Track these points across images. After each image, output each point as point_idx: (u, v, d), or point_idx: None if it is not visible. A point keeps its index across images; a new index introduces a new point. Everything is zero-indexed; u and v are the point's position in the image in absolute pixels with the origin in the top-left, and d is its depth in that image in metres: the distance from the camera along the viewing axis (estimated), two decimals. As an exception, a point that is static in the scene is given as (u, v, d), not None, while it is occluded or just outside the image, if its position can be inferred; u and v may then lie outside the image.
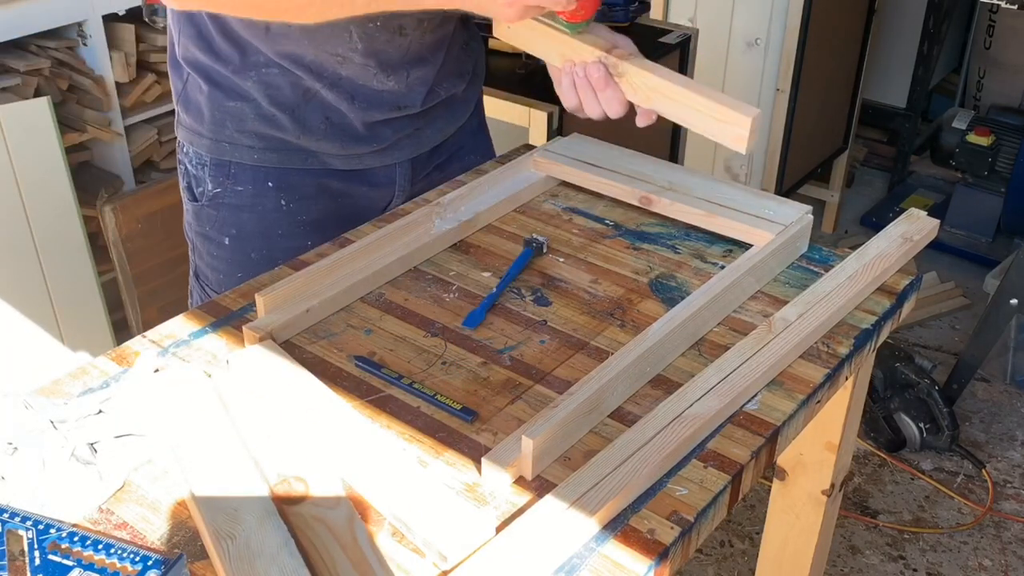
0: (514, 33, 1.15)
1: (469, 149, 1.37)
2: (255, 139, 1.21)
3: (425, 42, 1.21)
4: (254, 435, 0.85)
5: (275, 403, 0.88)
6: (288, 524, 0.76)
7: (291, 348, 0.98)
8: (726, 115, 1.03)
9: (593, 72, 1.08)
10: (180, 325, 1.02)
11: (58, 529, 0.70)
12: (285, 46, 1.15)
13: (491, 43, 2.08)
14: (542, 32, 1.11)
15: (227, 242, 1.26)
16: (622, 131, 2.06)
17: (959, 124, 3.03)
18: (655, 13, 2.68)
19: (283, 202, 1.24)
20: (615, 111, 1.11)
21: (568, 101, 1.13)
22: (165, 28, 2.21)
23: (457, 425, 0.88)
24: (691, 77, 2.26)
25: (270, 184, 1.23)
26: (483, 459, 0.82)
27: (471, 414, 0.88)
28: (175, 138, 1.29)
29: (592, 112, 1.12)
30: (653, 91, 1.08)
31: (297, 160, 1.22)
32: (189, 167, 1.26)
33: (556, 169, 1.25)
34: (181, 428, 0.85)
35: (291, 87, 1.18)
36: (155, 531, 0.78)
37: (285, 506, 0.78)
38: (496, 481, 0.82)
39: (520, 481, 0.82)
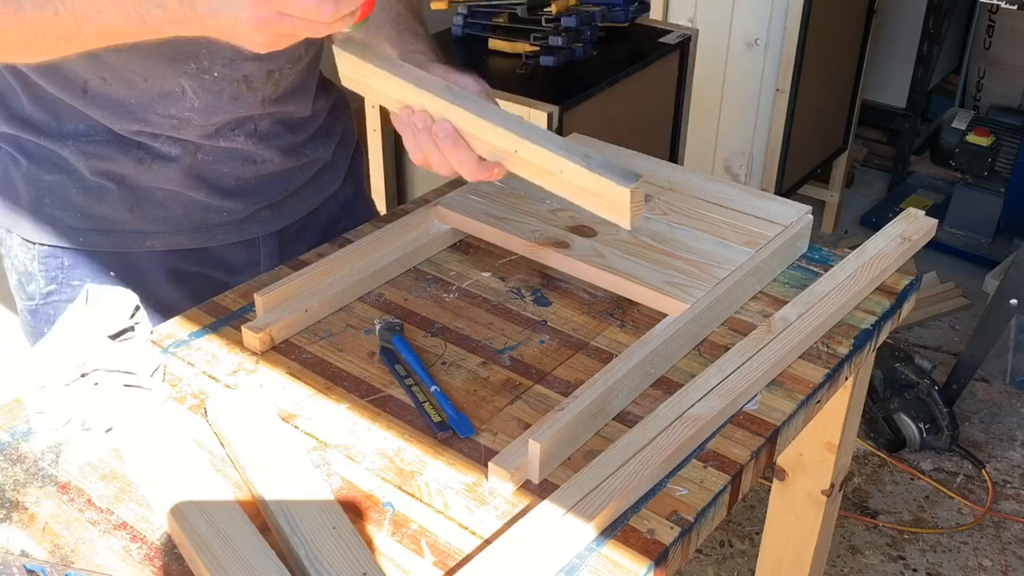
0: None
1: (347, 222, 1.20)
2: (80, 219, 1.06)
3: (280, 96, 1.09)
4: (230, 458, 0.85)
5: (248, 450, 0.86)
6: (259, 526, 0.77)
7: (290, 348, 0.98)
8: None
9: (417, 121, 0.92)
10: (180, 325, 1.02)
11: None
12: (108, 109, 1.01)
13: (491, 43, 2.09)
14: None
15: None
16: (622, 131, 2.07)
17: (959, 124, 3.03)
18: (655, 13, 2.68)
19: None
20: (467, 173, 0.93)
21: (412, 154, 0.95)
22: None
23: (458, 425, 0.88)
24: (691, 77, 2.27)
25: (112, 274, 1.09)
26: (490, 463, 0.82)
27: (446, 429, 0.87)
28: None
29: (441, 170, 0.94)
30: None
31: (132, 243, 1.08)
32: (14, 262, 1.11)
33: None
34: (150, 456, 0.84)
35: (120, 155, 1.03)
36: (155, 531, 0.78)
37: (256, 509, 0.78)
38: (501, 483, 0.82)
39: (523, 483, 0.82)
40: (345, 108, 1.25)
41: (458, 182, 1.24)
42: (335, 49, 0.98)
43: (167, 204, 1.08)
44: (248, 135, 1.09)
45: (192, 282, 1.12)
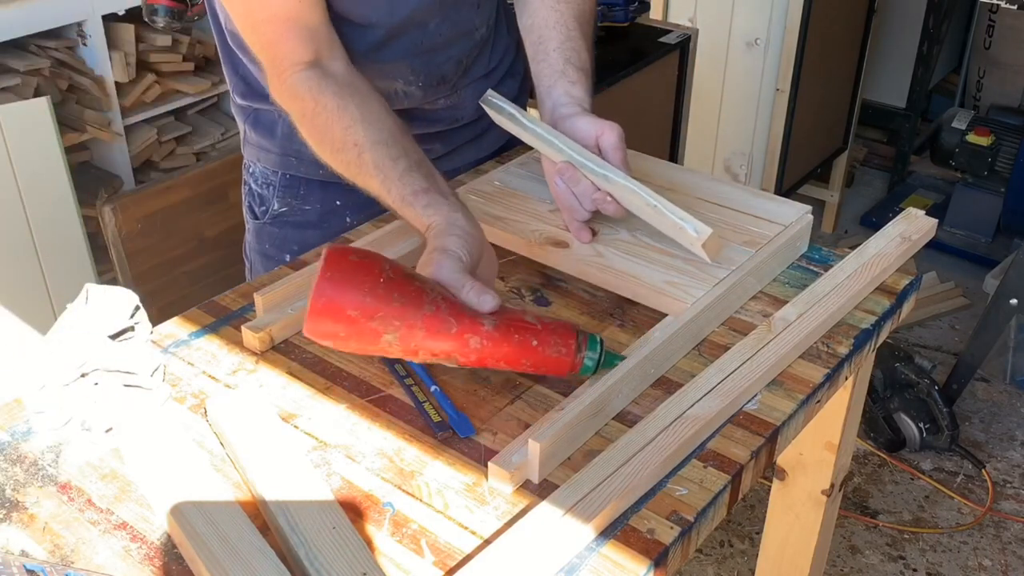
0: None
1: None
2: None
3: (479, 59, 1.24)
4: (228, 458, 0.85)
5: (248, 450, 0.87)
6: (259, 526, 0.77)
7: (290, 348, 0.98)
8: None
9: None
10: (180, 325, 1.02)
11: None
12: None
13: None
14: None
15: (288, 259, 1.24)
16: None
17: (959, 124, 3.03)
18: (655, 13, 2.68)
19: (349, 220, 1.25)
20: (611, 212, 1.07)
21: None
22: (165, 28, 2.21)
23: (458, 425, 0.88)
24: (691, 77, 2.27)
25: (338, 203, 1.25)
26: (489, 463, 0.82)
27: (445, 428, 0.88)
28: (174, 138, 1.29)
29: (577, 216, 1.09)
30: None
31: None
32: (254, 186, 1.28)
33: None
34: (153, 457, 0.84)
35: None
36: (155, 531, 0.78)
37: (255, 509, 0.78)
38: (501, 483, 0.82)
39: (523, 482, 0.82)
40: (519, 45, 1.34)
41: (457, 182, 1.24)
42: (482, 101, 1.17)
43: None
44: (451, 97, 1.24)
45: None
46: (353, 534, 0.75)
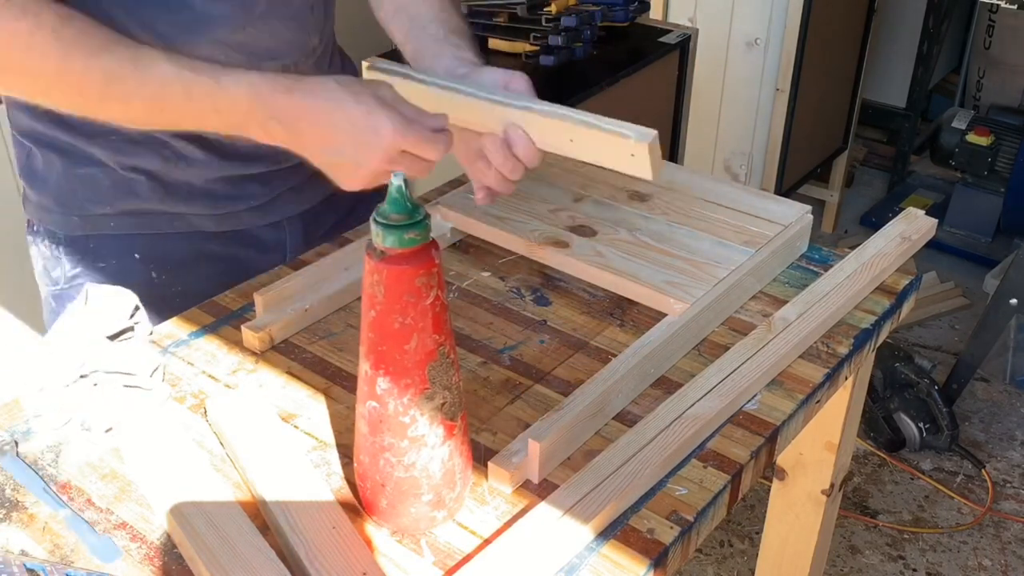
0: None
1: (369, 201, 1.20)
2: (110, 207, 1.08)
3: None
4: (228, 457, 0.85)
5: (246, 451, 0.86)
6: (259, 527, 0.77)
7: (290, 348, 0.98)
8: (620, 143, 0.92)
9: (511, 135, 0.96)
10: (179, 325, 1.02)
11: None
12: None
13: (491, 43, 2.09)
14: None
15: None
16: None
17: (959, 124, 3.03)
18: (655, 13, 2.68)
19: (154, 275, 1.10)
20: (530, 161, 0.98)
21: (483, 181, 1.02)
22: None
23: (457, 425, 0.88)
24: (691, 77, 2.27)
25: (136, 256, 1.10)
26: (489, 463, 0.82)
27: None
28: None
29: (506, 189, 1.01)
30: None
31: (163, 224, 1.09)
32: (42, 249, 1.13)
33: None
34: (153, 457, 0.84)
35: (149, 153, 1.05)
36: (155, 531, 0.78)
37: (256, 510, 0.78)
38: (501, 483, 0.82)
39: (523, 482, 0.82)
40: None
41: (458, 181, 1.24)
42: (365, 69, 1.05)
43: (195, 193, 1.09)
44: None
45: (219, 263, 1.13)
46: (353, 534, 0.75)
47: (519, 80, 0.99)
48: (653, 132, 0.90)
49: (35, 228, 1.14)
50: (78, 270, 1.11)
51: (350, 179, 0.90)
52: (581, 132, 0.93)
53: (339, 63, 1.21)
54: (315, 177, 1.12)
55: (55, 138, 1.06)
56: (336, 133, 0.86)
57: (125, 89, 0.85)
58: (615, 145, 0.92)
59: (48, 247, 1.12)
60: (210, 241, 1.12)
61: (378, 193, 1.20)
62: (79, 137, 1.04)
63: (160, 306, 1.06)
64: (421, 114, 0.88)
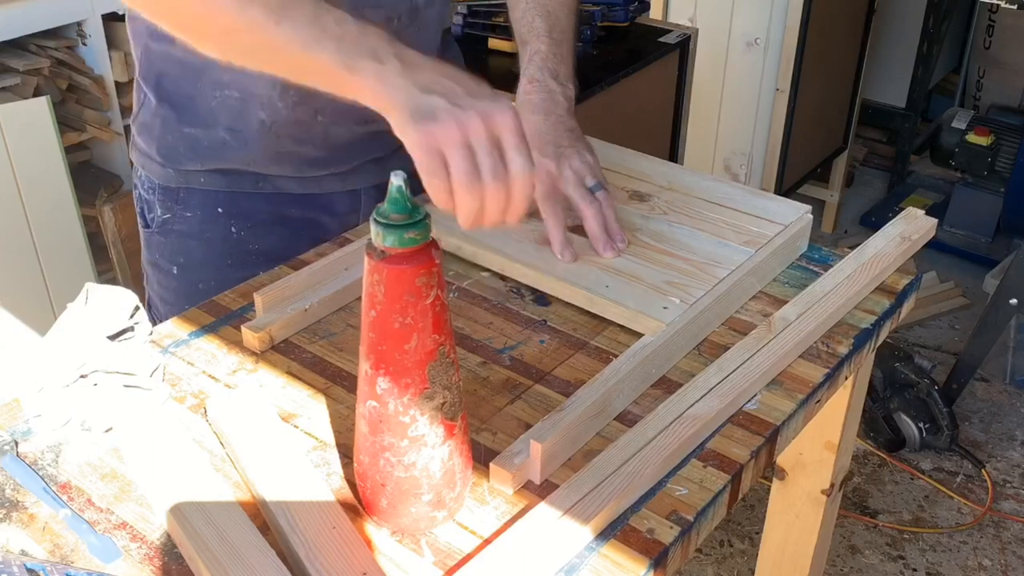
0: None
1: None
2: (205, 164, 1.14)
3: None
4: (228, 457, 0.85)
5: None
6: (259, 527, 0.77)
7: (290, 348, 0.98)
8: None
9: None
10: (179, 325, 1.02)
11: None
12: (237, 71, 1.03)
13: (491, 43, 2.09)
14: None
15: (175, 271, 1.19)
16: (622, 131, 2.07)
17: (959, 124, 3.03)
18: (655, 13, 2.68)
19: (233, 230, 1.17)
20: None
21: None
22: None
23: (457, 425, 0.88)
24: (691, 77, 2.27)
25: (220, 210, 1.16)
26: (491, 464, 0.82)
27: None
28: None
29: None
30: None
31: (247, 184, 1.15)
32: (142, 191, 1.21)
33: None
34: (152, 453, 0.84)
35: (246, 106, 1.10)
36: (155, 531, 0.78)
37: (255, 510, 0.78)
38: (502, 484, 0.82)
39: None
40: (458, 57, 1.28)
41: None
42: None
43: (282, 158, 1.13)
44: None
45: (295, 224, 1.17)
46: (353, 534, 0.75)
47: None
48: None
49: (137, 172, 1.21)
50: (168, 216, 1.18)
51: (431, 134, 0.80)
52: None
53: (441, 37, 1.21)
54: (397, 152, 1.12)
55: (173, 94, 1.12)
56: (457, 81, 0.81)
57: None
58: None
59: (146, 191, 1.20)
60: (290, 204, 1.17)
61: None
62: (192, 95, 1.10)
63: (235, 260, 1.15)
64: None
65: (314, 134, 1.13)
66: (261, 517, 0.78)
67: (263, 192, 1.16)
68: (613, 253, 1.05)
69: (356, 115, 1.07)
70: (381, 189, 1.15)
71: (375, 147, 1.17)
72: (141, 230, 1.23)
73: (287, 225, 1.18)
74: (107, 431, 0.86)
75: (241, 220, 1.17)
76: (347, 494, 0.81)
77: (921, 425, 2.31)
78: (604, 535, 0.77)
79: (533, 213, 1.03)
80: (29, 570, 0.68)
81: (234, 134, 1.12)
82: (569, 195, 1.05)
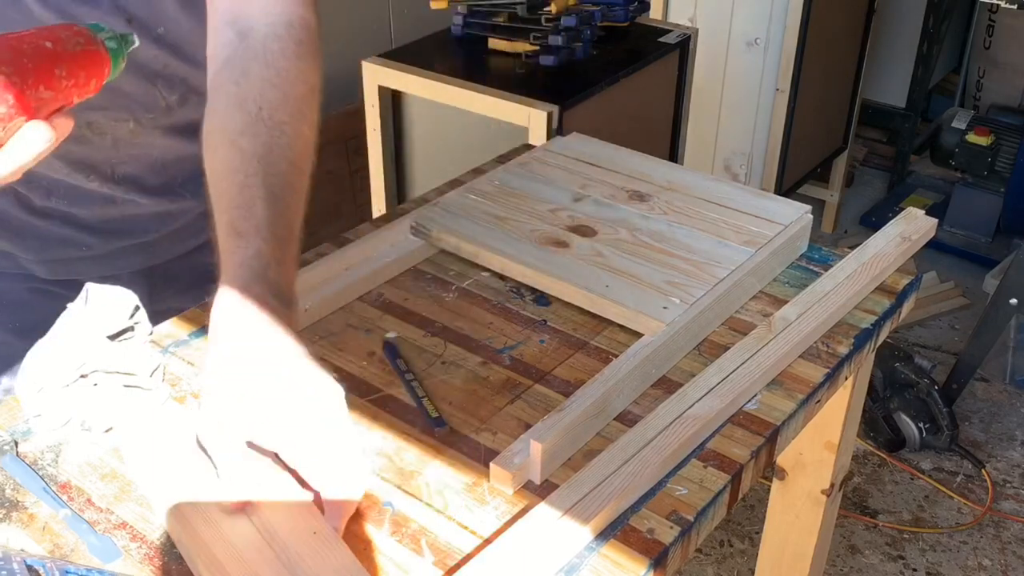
0: None
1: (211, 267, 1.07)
2: None
3: (142, 142, 0.98)
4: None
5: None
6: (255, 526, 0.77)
7: (291, 348, 0.98)
8: None
9: None
10: (180, 325, 1.01)
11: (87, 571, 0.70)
12: None
13: (491, 43, 2.09)
14: None
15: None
16: (622, 131, 2.07)
17: (959, 124, 3.03)
18: (655, 13, 2.68)
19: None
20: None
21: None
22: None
23: (457, 424, 0.88)
24: (691, 77, 2.27)
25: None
26: (491, 464, 0.82)
27: (442, 424, 0.88)
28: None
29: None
30: None
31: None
32: None
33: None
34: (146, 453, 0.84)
35: None
36: (155, 531, 0.78)
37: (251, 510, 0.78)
38: (503, 484, 0.82)
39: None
40: None
41: (458, 181, 1.24)
42: None
43: (23, 232, 1.00)
44: (104, 178, 0.99)
45: (60, 303, 0.92)
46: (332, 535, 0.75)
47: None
48: None
49: None
50: None
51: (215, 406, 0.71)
52: None
53: None
54: (168, 236, 1.04)
55: None
56: (262, 377, 0.71)
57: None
58: None
59: None
60: (45, 283, 1.03)
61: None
62: None
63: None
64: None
65: (50, 209, 0.98)
66: (260, 517, 0.78)
67: (11, 272, 1.02)
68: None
69: (99, 197, 0.97)
70: (148, 275, 1.04)
71: (136, 230, 1.03)
72: None
73: (51, 301, 0.94)
74: (107, 431, 0.86)
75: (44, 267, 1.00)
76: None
77: (921, 425, 2.31)
78: (604, 535, 0.77)
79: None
80: (29, 566, 0.68)
81: None
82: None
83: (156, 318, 0.94)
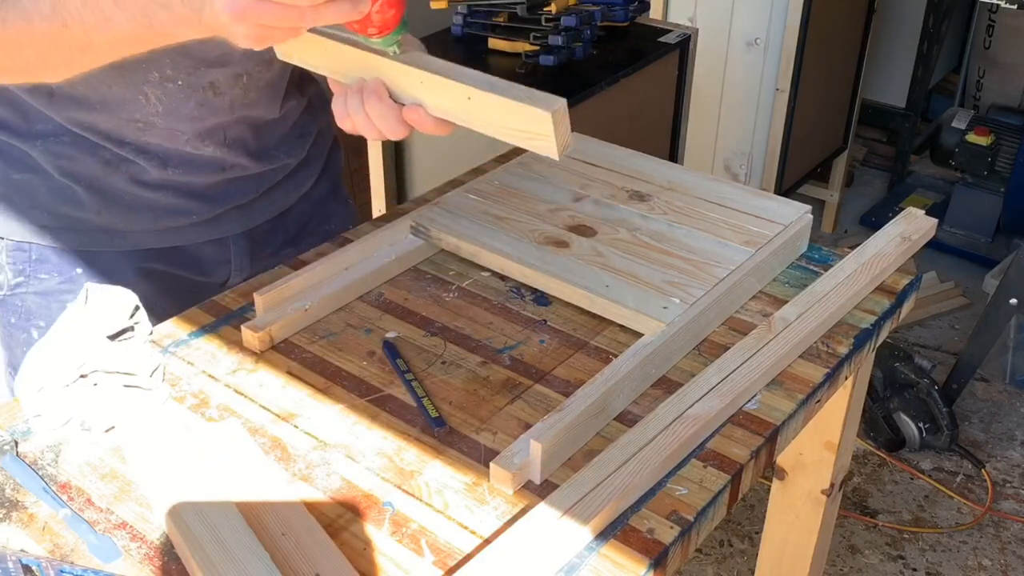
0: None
1: (320, 220, 1.20)
2: (50, 217, 1.05)
3: (250, 101, 1.08)
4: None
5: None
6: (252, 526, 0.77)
7: (290, 347, 0.98)
8: (524, 113, 0.79)
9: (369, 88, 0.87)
10: (179, 325, 1.02)
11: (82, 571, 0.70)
12: (74, 113, 1.00)
13: (491, 42, 2.09)
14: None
15: (36, 335, 1.09)
16: (622, 130, 2.07)
17: (959, 124, 3.03)
18: (655, 13, 2.68)
19: None
20: (389, 129, 0.88)
21: (341, 121, 0.91)
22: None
23: (457, 424, 0.88)
24: (691, 77, 2.27)
25: (78, 271, 1.08)
26: (491, 464, 0.82)
27: (441, 424, 0.88)
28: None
29: (367, 132, 0.90)
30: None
31: (103, 242, 1.07)
32: None
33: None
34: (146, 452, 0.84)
35: (87, 156, 1.03)
36: (155, 531, 0.78)
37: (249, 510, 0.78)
38: (502, 484, 0.82)
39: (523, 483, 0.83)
40: (322, 105, 1.21)
41: (459, 181, 1.24)
42: None
43: (134, 207, 1.07)
44: (217, 143, 1.07)
45: (162, 280, 1.11)
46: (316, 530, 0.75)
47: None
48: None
49: None
50: (20, 280, 1.08)
51: (228, 29, 0.78)
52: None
53: (297, 86, 1.16)
54: (264, 196, 1.13)
55: None
56: None
57: (24, 10, 0.81)
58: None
59: None
60: (152, 259, 1.10)
61: (326, 221, 1.19)
62: (14, 137, 1.02)
63: None
64: None
65: (165, 180, 1.06)
66: (256, 518, 0.78)
67: (121, 250, 1.09)
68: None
69: (212, 164, 1.07)
70: (252, 238, 1.14)
71: (237, 193, 1.12)
72: None
73: (155, 281, 1.10)
74: (107, 431, 0.86)
75: (103, 279, 1.07)
76: (347, 493, 0.81)
77: (921, 425, 2.31)
78: (604, 535, 0.77)
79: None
80: (24, 565, 0.68)
81: (72, 179, 1.04)
82: None
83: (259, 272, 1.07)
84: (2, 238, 1.08)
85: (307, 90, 1.19)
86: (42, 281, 1.08)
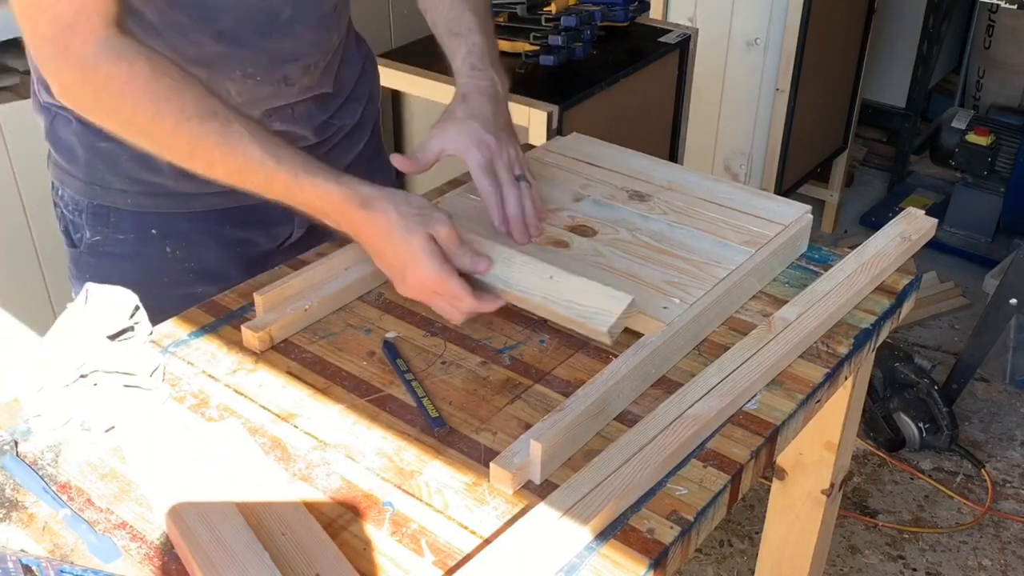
0: None
1: (366, 175, 1.27)
2: (129, 183, 1.12)
3: (314, 83, 1.16)
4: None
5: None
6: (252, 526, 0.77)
7: (290, 347, 0.98)
8: (602, 293, 0.94)
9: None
10: (179, 325, 1.02)
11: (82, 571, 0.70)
12: None
13: (491, 43, 2.09)
14: None
15: None
16: (622, 130, 2.07)
17: (959, 124, 3.03)
18: (655, 13, 2.68)
19: (168, 250, 1.16)
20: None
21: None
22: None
23: (457, 424, 0.88)
24: (691, 77, 2.27)
25: (154, 231, 1.16)
26: (491, 464, 0.82)
27: (441, 424, 0.88)
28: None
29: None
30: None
31: (178, 204, 1.14)
32: (65, 211, 1.18)
33: None
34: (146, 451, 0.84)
35: None
36: (155, 531, 0.78)
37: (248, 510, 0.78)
38: (502, 484, 0.82)
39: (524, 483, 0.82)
40: (372, 64, 1.31)
41: (458, 181, 1.24)
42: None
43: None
44: (284, 119, 1.15)
45: (231, 243, 1.19)
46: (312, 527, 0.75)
47: (477, 153, 1.07)
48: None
49: (59, 191, 1.18)
50: (98, 238, 1.16)
51: (400, 288, 0.97)
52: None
53: (355, 49, 1.26)
54: (324, 157, 1.17)
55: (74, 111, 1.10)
56: (386, 257, 0.96)
57: (210, 159, 0.93)
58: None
59: (70, 212, 1.17)
60: (224, 221, 1.17)
61: (372, 177, 1.24)
62: None
63: (172, 279, 1.16)
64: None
65: None
66: (255, 518, 0.78)
67: (195, 211, 1.15)
68: (525, 239, 1.07)
69: (281, 136, 1.12)
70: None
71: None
72: (67, 249, 1.20)
73: (224, 242, 1.18)
74: (107, 431, 0.86)
75: (176, 240, 1.16)
76: (347, 493, 0.81)
77: (921, 425, 2.31)
78: (604, 535, 0.77)
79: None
80: (24, 565, 0.68)
81: None
82: (499, 175, 1.08)
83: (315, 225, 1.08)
84: (78, 200, 1.15)
85: (362, 49, 1.28)
86: (119, 242, 1.16)
